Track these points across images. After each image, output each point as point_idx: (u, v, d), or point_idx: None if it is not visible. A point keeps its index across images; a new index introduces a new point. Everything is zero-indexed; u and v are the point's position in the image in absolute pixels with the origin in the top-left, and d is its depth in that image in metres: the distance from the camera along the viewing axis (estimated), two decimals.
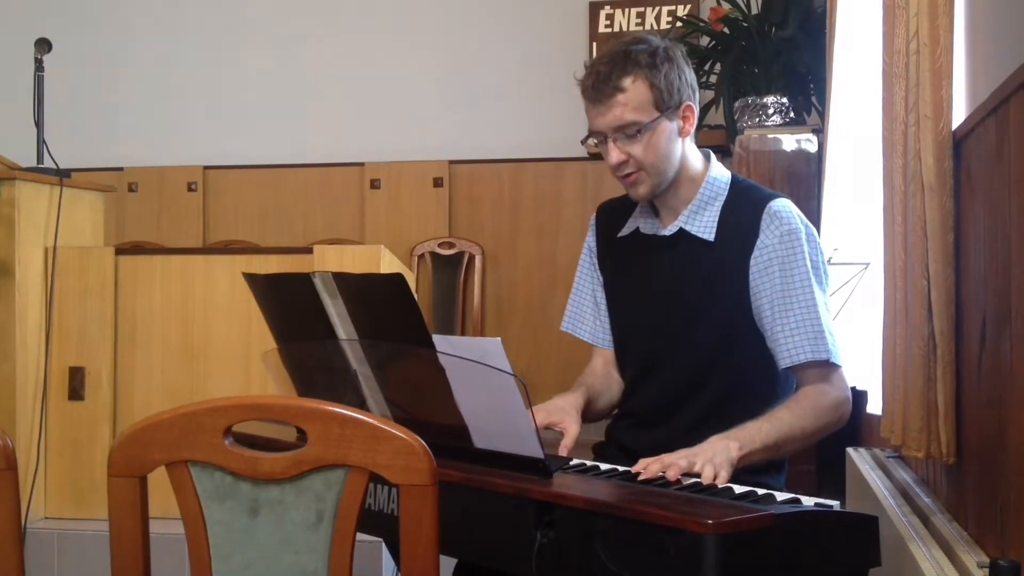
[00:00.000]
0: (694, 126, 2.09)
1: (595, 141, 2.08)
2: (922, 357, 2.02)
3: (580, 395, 2.14)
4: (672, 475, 1.72)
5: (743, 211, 2.08)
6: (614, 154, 2.03)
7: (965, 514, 2.03)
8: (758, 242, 2.04)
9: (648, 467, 1.77)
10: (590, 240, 2.30)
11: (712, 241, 2.08)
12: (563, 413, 2.05)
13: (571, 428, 2.02)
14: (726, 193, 2.11)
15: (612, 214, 2.26)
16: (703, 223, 2.09)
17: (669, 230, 2.13)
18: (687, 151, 2.10)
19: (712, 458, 1.77)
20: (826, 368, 2.02)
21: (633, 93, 2.00)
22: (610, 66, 2.01)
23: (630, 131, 2.01)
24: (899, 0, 2.06)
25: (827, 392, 2.01)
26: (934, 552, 1.89)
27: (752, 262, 2.04)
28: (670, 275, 2.12)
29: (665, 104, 2.02)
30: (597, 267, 2.27)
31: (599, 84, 2.01)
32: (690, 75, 2.09)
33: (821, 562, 1.52)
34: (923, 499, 2.26)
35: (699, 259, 2.09)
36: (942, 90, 1.97)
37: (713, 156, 2.17)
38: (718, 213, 2.09)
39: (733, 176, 2.16)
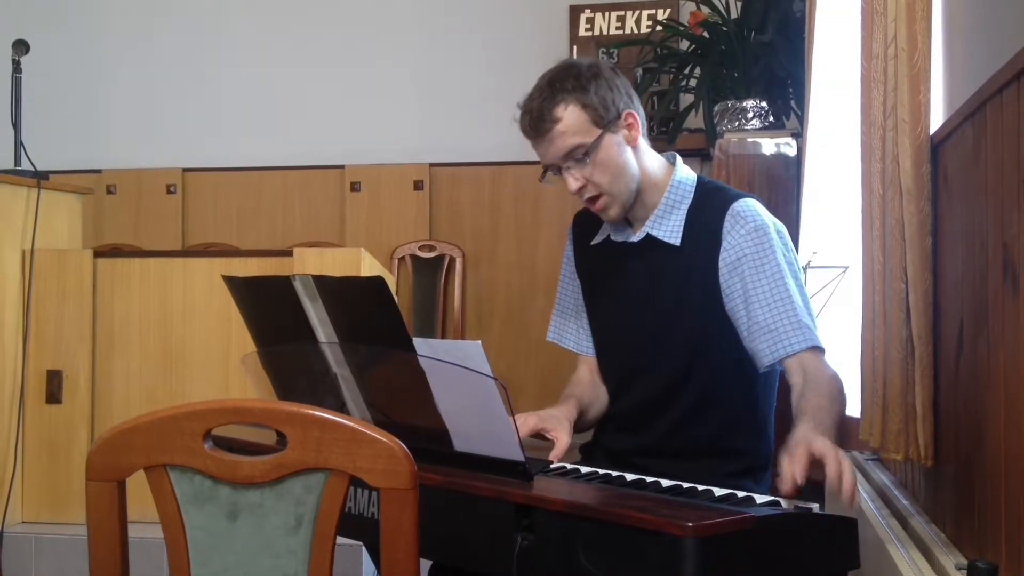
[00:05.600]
0: (640, 132, 2.08)
1: (551, 175, 2.09)
2: (900, 360, 2.03)
3: (572, 407, 2.14)
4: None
5: (708, 214, 2.07)
6: (571, 181, 2.04)
7: (943, 516, 2.04)
8: (724, 244, 2.03)
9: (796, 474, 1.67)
10: (568, 249, 2.31)
11: (679, 245, 2.08)
12: (556, 422, 2.05)
13: (562, 438, 2.02)
14: (692, 195, 2.11)
15: (586, 223, 2.27)
16: (669, 227, 2.09)
17: (637, 236, 2.13)
18: (643, 159, 2.09)
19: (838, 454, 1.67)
20: (811, 355, 1.97)
21: (568, 119, 2.02)
22: (540, 101, 2.04)
23: (577, 155, 2.02)
24: (877, 5, 2.07)
25: (833, 377, 1.96)
26: (912, 554, 1.90)
27: (720, 264, 2.03)
28: (641, 281, 2.13)
29: (604, 119, 2.03)
30: (576, 276, 2.28)
31: (535, 122, 2.04)
32: (623, 84, 2.08)
33: (800, 564, 1.53)
34: (901, 501, 2.28)
35: (667, 264, 2.09)
36: (920, 94, 1.98)
37: (679, 159, 2.16)
38: (684, 216, 2.09)
39: (699, 178, 2.15)
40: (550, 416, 2.06)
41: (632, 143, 2.07)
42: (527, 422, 2.01)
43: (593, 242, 2.22)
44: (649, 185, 2.10)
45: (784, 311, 1.98)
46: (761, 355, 1.99)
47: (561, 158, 2.03)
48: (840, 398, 1.93)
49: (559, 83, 2.04)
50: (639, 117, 2.08)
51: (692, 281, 2.06)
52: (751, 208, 2.05)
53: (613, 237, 2.18)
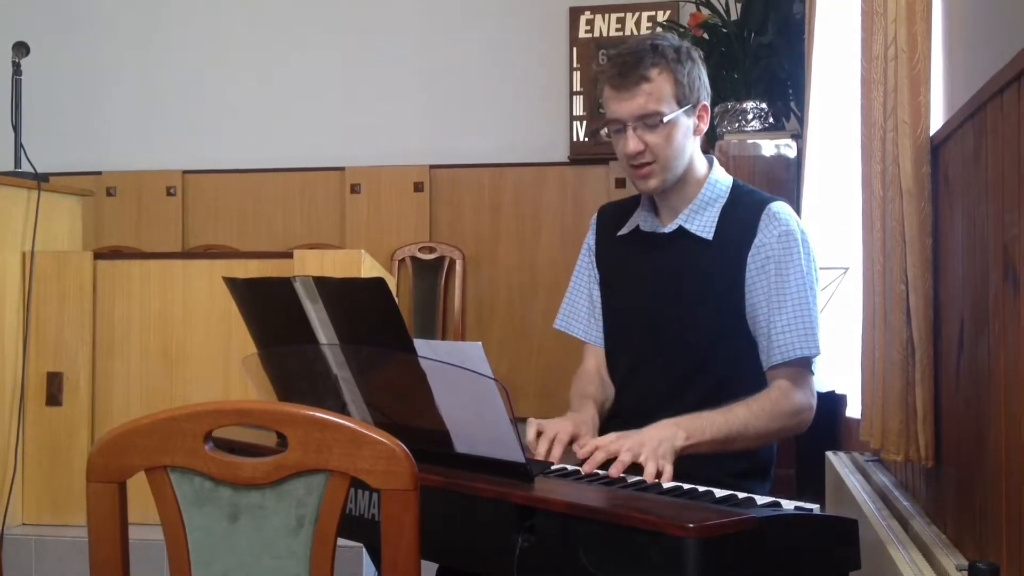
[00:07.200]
0: (707, 127, 2.15)
1: (610, 130, 2.11)
2: (901, 361, 2.03)
3: (595, 410, 2.16)
4: (614, 472, 1.76)
5: (742, 212, 2.12)
6: (632, 143, 2.07)
7: (944, 517, 2.04)
8: (756, 241, 2.08)
9: (593, 457, 1.82)
10: (590, 239, 2.33)
11: (710, 240, 2.12)
12: (587, 428, 2.06)
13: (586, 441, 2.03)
14: (727, 196, 2.16)
15: (613, 215, 2.31)
16: (702, 223, 2.13)
17: (668, 228, 2.17)
18: (695, 152, 2.15)
19: (656, 449, 1.81)
20: (800, 371, 2.05)
21: (658, 84, 2.05)
22: (637, 56, 2.06)
23: (651, 121, 2.06)
24: (877, 6, 2.07)
25: (791, 396, 2.04)
26: (913, 555, 1.90)
27: (749, 260, 2.08)
28: (667, 272, 2.16)
29: (686, 100, 2.08)
30: (595, 265, 2.30)
31: (626, 71, 2.06)
32: (706, 78, 2.15)
33: (801, 565, 1.53)
34: (902, 502, 2.28)
35: (697, 257, 2.12)
36: (920, 96, 1.98)
37: (716, 161, 2.22)
38: (718, 214, 2.14)
39: (734, 181, 2.21)
40: (583, 423, 2.08)
41: (697, 133, 2.14)
42: (565, 429, 2.01)
43: (620, 233, 2.25)
44: (691, 178, 2.15)
45: (800, 317, 2.04)
46: (772, 354, 2.05)
47: (635, 118, 2.06)
48: (779, 419, 2.02)
49: (661, 49, 2.07)
50: (709, 114, 2.15)
51: (719, 273, 2.10)
52: (785, 212, 2.11)
53: (643, 227, 2.22)
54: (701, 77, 2.12)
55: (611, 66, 2.09)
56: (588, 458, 1.85)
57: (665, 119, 2.05)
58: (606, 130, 2.14)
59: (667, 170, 2.09)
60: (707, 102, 2.14)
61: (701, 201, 2.14)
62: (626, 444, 1.83)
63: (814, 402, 2.08)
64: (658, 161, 2.08)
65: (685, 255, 2.14)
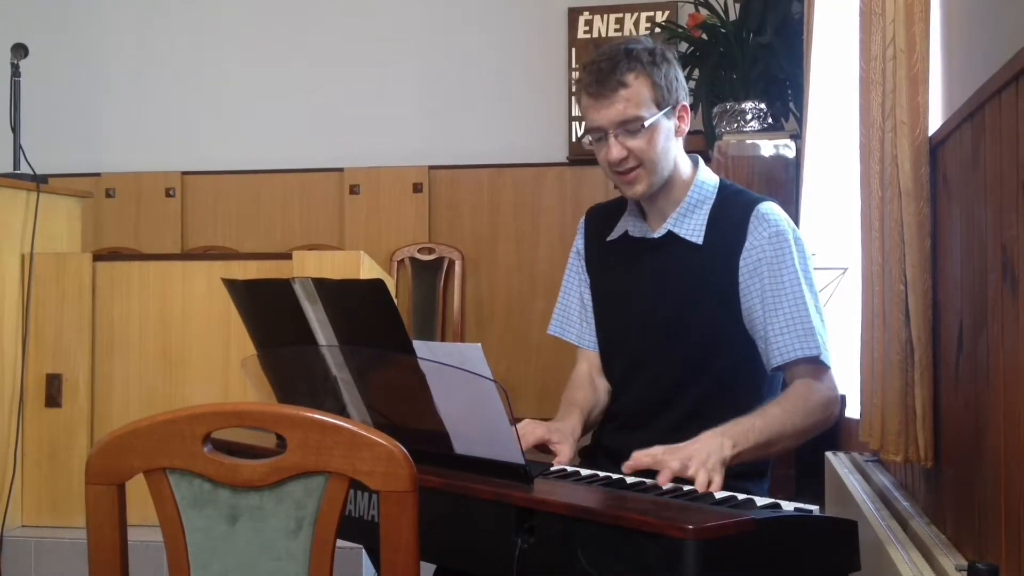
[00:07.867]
0: (688, 127, 2.13)
1: (592, 139, 2.10)
2: (900, 361, 2.03)
3: (577, 420, 2.14)
4: (662, 480, 1.73)
5: (731, 214, 2.11)
6: (615, 150, 2.05)
7: (943, 517, 2.04)
8: (746, 244, 2.06)
9: (639, 460, 1.79)
10: (578, 243, 2.32)
11: (700, 244, 2.10)
12: (561, 435, 2.05)
13: (564, 451, 2.02)
14: (714, 197, 2.14)
15: (601, 218, 2.29)
16: (691, 226, 2.12)
17: (658, 233, 2.15)
18: (678, 154, 2.13)
19: (706, 461, 1.77)
20: (816, 366, 2.04)
21: (635, 89, 2.03)
22: (613, 62, 2.04)
23: (632, 127, 2.04)
24: (875, 6, 2.07)
25: (817, 389, 2.02)
26: (912, 556, 1.90)
27: (741, 263, 2.06)
28: (658, 277, 2.14)
29: (665, 102, 2.06)
30: (585, 269, 2.29)
31: (602, 79, 2.04)
32: (683, 78, 2.13)
33: (801, 566, 1.53)
34: (901, 503, 2.28)
35: (687, 261, 2.11)
36: (919, 96, 1.98)
37: (701, 161, 2.20)
38: (706, 216, 2.12)
39: (721, 181, 2.19)
40: (556, 429, 2.07)
41: (679, 134, 2.12)
42: (534, 431, 2.01)
43: (609, 238, 2.24)
44: (677, 180, 2.14)
45: (796, 318, 2.02)
46: (771, 356, 2.04)
47: (616, 124, 2.04)
48: (812, 413, 2.00)
49: (635, 53, 2.05)
50: (689, 113, 2.14)
51: (711, 278, 2.09)
52: (774, 212, 2.10)
53: (631, 233, 2.20)
54: (678, 78, 2.10)
55: (587, 74, 2.07)
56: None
57: (646, 123, 2.03)
58: (588, 139, 2.11)
59: (653, 173, 2.08)
60: (686, 102, 2.12)
61: (689, 204, 2.13)
62: (676, 455, 1.79)
63: (837, 395, 2.07)
64: (644, 164, 2.06)
65: (675, 260, 2.12)
